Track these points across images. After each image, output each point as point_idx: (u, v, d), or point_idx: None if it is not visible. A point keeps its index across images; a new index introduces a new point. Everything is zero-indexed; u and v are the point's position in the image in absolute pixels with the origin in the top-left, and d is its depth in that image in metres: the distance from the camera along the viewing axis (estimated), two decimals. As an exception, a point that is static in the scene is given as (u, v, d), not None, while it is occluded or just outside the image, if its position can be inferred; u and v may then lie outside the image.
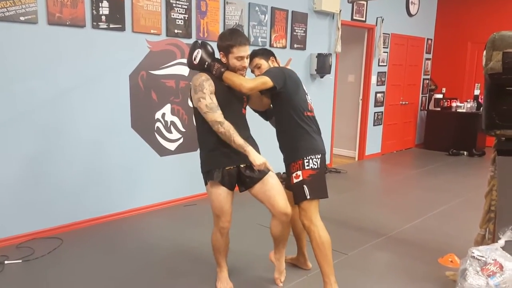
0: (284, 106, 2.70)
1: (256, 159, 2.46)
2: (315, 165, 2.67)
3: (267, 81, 2.58)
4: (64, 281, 3.00)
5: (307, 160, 2.66)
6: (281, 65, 2.89)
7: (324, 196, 2.74)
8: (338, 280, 2.72)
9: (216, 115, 2.47)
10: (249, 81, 2.55)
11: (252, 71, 2.86)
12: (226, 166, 2.61)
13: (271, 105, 2.86)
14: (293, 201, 2.75)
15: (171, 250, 3.51)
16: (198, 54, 2.55)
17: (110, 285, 2.95)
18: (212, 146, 2.60)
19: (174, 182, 4.67)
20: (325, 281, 2.70)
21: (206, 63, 2.55)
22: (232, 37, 2.53)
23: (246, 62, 2.61)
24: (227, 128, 2.47)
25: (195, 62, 2.56)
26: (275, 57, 2.89)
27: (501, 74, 2.61)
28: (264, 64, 2.81)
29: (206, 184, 2.69)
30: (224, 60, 2.58)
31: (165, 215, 4.38)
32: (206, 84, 2.50)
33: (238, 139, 2.47)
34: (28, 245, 3.52)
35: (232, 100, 2.62)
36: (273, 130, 2.88)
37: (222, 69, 2.55)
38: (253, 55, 2.78)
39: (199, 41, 2.63)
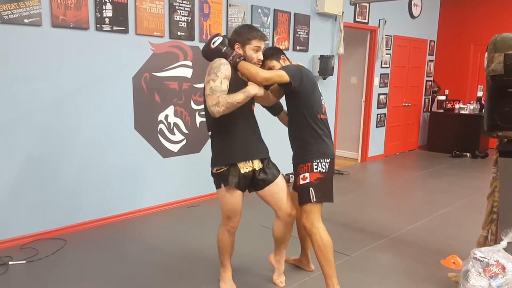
0: (299, 106, 2.69)
1: (262, 90, 2.54)
2: (324, 168, 2.67)
3: (284, 75, 2.55)
4: (68, 282, 3.01)
5: (316, 163, 2.66)
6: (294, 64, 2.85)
7: (329, 200, 2.74)
8: (340, 282, 2.72)
9: (213, 98, 2.40)
10: (265, 72, 2.55)
11: None
12: (241, 160, 2.59)
13: (286, 105, 2.84)
14: (297, 202, 2.75)
15: (174, 251, 3.52)
16: (218, 40, 2.54)
17: (113, 286, 2.96)
18: (227, 140, 2.59)
19: (177, 183, 4.69)
20: (328, 283, 2.70)
21: (224, 49, 2.52)
22: (251, 31, 2.58)
23: (261, 56, 2.63)
24: (224, 101, 2.39)
25: (212, 46, 2.53)
26: (285, 56, 2.85)
27: (503, 76, 2.61)
28: (277, 64, 2.77)
29: (218, 186, 2.65)
30: (239, 51, 2.58)
31: (168, 216, 4.39)
32: (223, 67, 2.46)
33: (238, 97, 2.43)
34: (32, 246, 3.55)
35: None
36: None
37: (238, 59, 2.51)
38: (263, 58, 2.70)
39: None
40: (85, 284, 2.99)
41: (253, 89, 2.49)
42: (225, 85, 2.45)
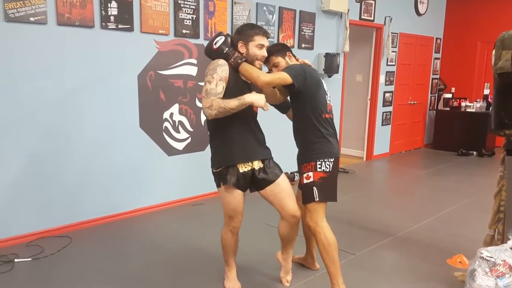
0: (303, 106, 2.67)
1: (259, 100, 2.39)
2: (328, 168, 2.65)
3: (286, 78, 2.52)
4: (73, 279, 3.02)
5: (319, 163, 2.64)
6: (300, 61, 2.83)
7: (333, 199, 2.73)
8: (345, 280, 2.71)
9: (207, 101, 2.39)
10: (266, 75, 2.51)
11: (270, 70, 2.80)
12: (239, 162, 2.57)
13: (290, 104, 2.82)
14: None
15: (179, 249, 3.53)
16: (221, 40, 2.52)
17: (118, 284, 2.97)
18: (225, 141, 2.57)
19: (182, 181, 4.69)
20: (333, 282, 2.69)
21: (225, 50, 2.50)
22: (254, 28, 2.56)
23: (265, 52, 2.59)
24: (217, 105, 2.36)
25: (215, 47, 2.51)
26: (291, 53, 2.83)
27: (510, 73, 2.59)
28: (282, 61, 2.75)
29: (218, 185, 2.64)
30: (242, 50, 2.54)
31: (173, 214, 4.40)
32: (220, 69, 2.44)
33: (232, 103, 2.36)
34: (38, 243, 3.56)
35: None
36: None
37: (240, 60, 2.49)
38: (268, 54, 2.68)
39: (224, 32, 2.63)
40: (90, 281, 2.99)
41: (250, 97, 2.40)
42: (220, 87, 2.43)
